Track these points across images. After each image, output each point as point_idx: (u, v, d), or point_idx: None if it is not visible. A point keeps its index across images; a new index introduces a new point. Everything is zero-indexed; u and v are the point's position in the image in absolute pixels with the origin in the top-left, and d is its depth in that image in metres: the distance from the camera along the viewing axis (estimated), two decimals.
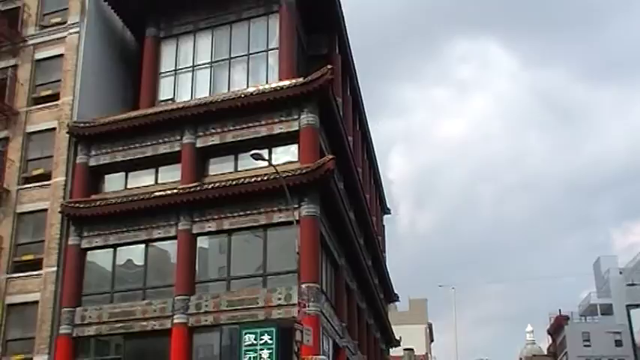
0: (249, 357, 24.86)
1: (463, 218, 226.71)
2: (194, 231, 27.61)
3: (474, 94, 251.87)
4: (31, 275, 29.62)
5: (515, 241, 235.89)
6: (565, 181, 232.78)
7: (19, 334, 29.53)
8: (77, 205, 29.32)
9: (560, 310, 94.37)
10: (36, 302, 29.00)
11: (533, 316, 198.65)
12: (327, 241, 28.01)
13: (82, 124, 30.54)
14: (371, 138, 45.20)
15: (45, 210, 30.28)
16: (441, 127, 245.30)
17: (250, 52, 31.81)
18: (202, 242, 28.02)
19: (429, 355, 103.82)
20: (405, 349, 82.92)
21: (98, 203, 29.09)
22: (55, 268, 29.12)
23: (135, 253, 28.76)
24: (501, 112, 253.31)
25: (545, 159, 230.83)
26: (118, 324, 27.55)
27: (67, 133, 30.70)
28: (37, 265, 29.69)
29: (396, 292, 51.79)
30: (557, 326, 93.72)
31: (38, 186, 30.96)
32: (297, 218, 25.27)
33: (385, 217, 53.88)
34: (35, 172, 31.37)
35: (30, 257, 30.04)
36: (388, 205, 54.09)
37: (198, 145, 28.76)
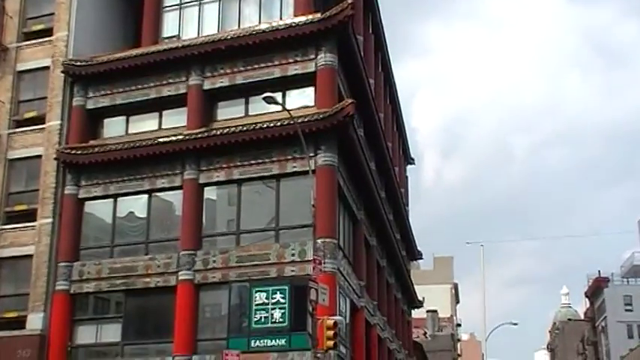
0: (260, 317, 25.41)
1: (494, 171, 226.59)
2: (201, 181, 27.94)
3: (508, 33, 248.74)
4: (24, 227, 30.15)
5: (550, 195, 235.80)
6: (607, 130, 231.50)
7: (11, 289, 30.23)
8: (74, 151, 29.67)
9: (599, 271, 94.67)
10: (30, 256, 29.60)
11: (569, 277, 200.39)
12: (345, 193, 28.29)
13: (78, 63, 30.69)
14: (394, 81, 45.13)
15: (39, 156, 30.67)
16: (471, 70, 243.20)
17: None
18: (210, 193, 28.39)
19: (454, 318, 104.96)
20: (428, 311, 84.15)
21: (97, 150, 29.43)
22: (50, 220, 29.63)
23: (137, 205, 29.21)
24: (539, 54, 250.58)
25: (586, 106, 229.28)
26: (118, 280, 28.13)
27: (62, 72, 30.88)
28: (30, 215, 30.20)
29: (419, 249, 52.32)
30: (596, 288, 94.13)
31: (31, 130, 31.28)
32: (313, 168, 25.50)
33: (408, 167, 54.11)
34: (28, 115, 31.66)
35: (23, 207, 30.54)
36: (412, 155, 54.24)
37: (206, 87, 28.91)
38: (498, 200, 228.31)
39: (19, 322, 28.84)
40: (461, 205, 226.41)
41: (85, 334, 28.75)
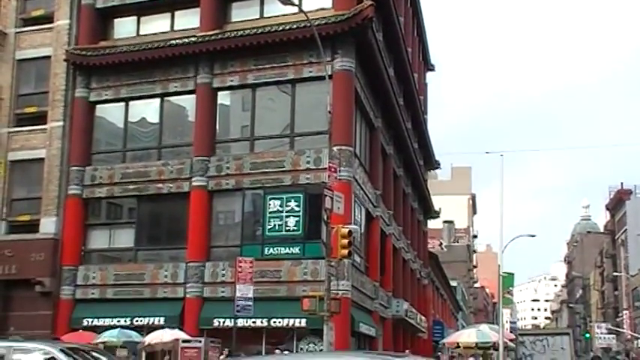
0: (274, 224, 25.82)
1: (520, 79, 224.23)
2: (214, 85, 27.97)
3: None
4: (35, 130, 30.40)
5: (577, 106, 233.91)
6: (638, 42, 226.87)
7: (24, 193, 30.75)
8: (84, 52, 29.62)
9: (622, 184, 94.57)
10: (41, 159, 29.95)
11: (590, 189, 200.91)
12: (362, 100, 28.28)
13: None
14: None
15: (48, 57, 30.61)
16: None
17: None
18: (223, 98, 28.48)
19: (471, 229, 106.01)
20: (444, 222, 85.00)
21: (107, 51, 29.36)
22: (61, 123, 29.84)
23: (149, 109, 29.38)
24: None
25: (623, 14, 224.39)
26: (131, 185, 28.53)
27: None
28: (41, 118, 30.40)
29: (437, 158, 52.42)
30: (618, 201, 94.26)
31: (39, 29, 31.13)
32: (330, 73, 25.35)
33: (428, 74, 53.64)
34: (35, 14, 31.48)
35: (33, 110, 30.71)
36: (432, 61, 53.69)
37: None
38: (523, 110, 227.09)
39: (33, 226, 29.46)
40: (483, 114, 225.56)
41: (98, 239, 29.44)
